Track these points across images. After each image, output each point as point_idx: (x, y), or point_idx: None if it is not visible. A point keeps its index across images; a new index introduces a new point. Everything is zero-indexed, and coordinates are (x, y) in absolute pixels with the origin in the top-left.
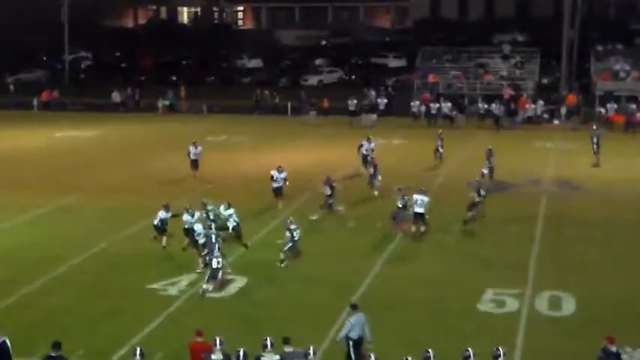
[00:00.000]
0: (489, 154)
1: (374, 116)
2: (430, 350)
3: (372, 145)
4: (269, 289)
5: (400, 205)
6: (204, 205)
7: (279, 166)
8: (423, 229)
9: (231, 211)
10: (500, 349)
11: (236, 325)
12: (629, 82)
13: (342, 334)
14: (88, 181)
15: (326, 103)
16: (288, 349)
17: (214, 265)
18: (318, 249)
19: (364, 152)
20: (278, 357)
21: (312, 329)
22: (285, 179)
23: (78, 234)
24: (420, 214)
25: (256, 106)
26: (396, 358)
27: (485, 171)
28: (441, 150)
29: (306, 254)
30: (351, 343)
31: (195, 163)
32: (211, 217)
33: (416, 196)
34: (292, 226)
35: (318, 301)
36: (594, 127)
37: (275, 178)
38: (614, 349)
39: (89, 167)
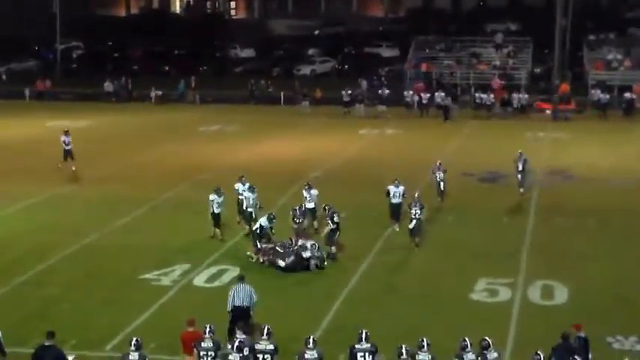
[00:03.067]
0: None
1: (383, 107)
2: (425, 338)
3: (401, 189)
4: (262, 279)
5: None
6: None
7: (396, 180)
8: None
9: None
10: (487, 339)
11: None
12: (622, 71)
13: (229, 303)
14: (80, 171)
15: (318, 94)
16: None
17: None
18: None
19: (394, 201)
20: (272, 346)
21: (305, 319)
22: (404, 194)
23: (70, 224)
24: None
25: (251, 95)
26: (390, 346)
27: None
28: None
29: None
30: (232, 310)
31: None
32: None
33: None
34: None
35: (310, 292)
36: (519, 152)
37: (393, 193)
38: (582, 334)
39: (81, 157)
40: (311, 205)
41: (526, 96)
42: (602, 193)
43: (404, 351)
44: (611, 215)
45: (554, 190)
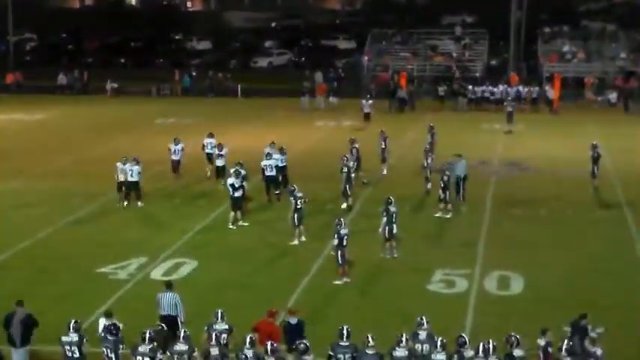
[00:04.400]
0: None
1: (334, 99)
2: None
3: (394, 207)
4: (220, 271)
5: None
6: None
7: (390, 198)
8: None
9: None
10: (464, 335)
11: (187, 309)
12: (575, 63)
13: (157, 310)
14: (34, 164)
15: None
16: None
17: None
18: (267, 230)
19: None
20: (226, 326)
21: (262, 313)
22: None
23: (23, 219)
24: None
25: (209, 88)
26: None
27: None
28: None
29: (253, 238)
30: (160, 320)
31: (237, 202)
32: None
33: None
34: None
35: (268, 283)
36: (380, 130)
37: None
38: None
39: (35, 151)
40: (222, 164)
41: (482, 88)
42: (557, 184)
43: (404, 339)
44: (566, 205)
45: (510, 181)
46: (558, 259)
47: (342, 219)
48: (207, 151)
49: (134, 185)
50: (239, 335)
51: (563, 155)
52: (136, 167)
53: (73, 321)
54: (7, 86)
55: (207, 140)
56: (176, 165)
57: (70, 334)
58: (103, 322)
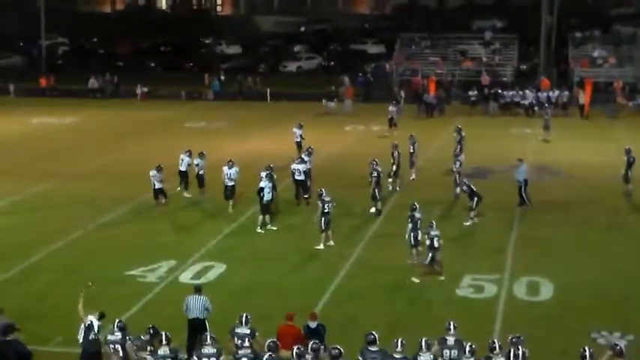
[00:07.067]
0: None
1: (332, 103)
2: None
3: (419, 214)
4: (248, 275)
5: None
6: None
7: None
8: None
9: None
10: (495, 341)
11: (214, 313)
12: (606, 68)
13: (185, 312)
14: (65, 167)
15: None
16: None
17: None
18: (295, 234)
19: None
20: (248, 330)
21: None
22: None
23: (55, 221)
24: None
25: (239, 92)
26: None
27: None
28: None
29: (282, 242)
30: (188, 323)
31: (266, 206)
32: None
33: None
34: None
35: (296, 288)
36: (410, 134)
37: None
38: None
39: (66, 154)
40: (231, 183)
41: (511, 92)
42: (588, 189)
43: (399, 343)
44: (597, 211)
45: (540, 186)
46: (589, 265)
47: (433, 222)
48: (295, 139)
49: (183, 174)
50: (263, 339)
51: (594, 160)
52: (187, 159)
53: (117, 320)
54: (39, 90)
55: (296, 130)
56: (202, 180)
57: (115, 333)
58: (96, 323)
